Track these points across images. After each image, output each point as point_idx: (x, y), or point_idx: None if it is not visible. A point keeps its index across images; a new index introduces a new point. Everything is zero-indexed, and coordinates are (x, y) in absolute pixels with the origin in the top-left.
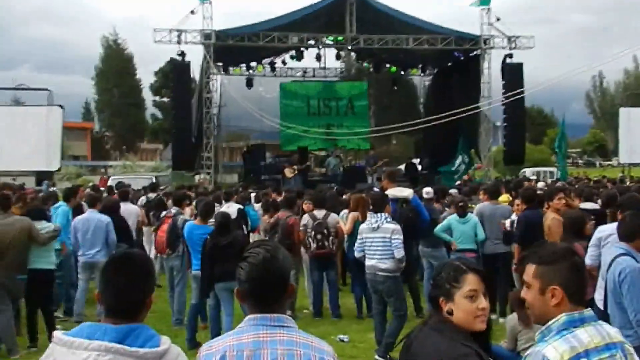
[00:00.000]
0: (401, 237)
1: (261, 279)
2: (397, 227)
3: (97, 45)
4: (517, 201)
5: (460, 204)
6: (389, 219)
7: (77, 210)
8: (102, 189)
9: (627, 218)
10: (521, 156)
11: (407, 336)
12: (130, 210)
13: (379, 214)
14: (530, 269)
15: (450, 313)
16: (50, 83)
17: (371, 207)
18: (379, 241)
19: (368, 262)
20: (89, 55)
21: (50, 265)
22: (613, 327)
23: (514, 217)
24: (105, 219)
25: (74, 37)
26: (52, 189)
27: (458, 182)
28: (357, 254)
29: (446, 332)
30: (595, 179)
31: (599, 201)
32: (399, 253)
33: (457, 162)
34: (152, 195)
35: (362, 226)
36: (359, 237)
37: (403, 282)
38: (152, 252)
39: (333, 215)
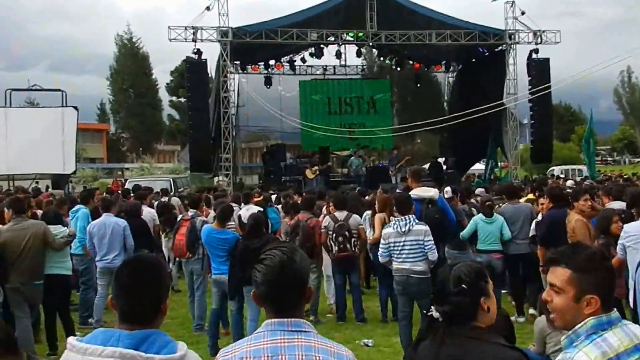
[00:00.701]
0: (432, 238)
1: (278, 281)
2: (427, 228)
3: (111, 44)
4: (543, 200)
5: (488, 203)
6: (417, 221)
7: (94, 214)
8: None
9: None
10: (549, 154)
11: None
12: (145, 215)
13: (406, 217)
14: (564, 274)
15: (487, 310)
16: (65, 83)
17: (396, 209)
18: (411, 244)
19: (399, 266)
20: (104, 54)
21: (67, 270)
22: (638, 327)
23: (539, 217)
24: (122, 222)
25: (88, 35)
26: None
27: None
28: (382, 260)
29: (491, 338)
30: (625, 176)
31: None
32: (433, 255)
33: (488, 169)
34: (164, 199)
35: (388, 230)
36: (383, 241)
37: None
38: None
39: (355, 217)
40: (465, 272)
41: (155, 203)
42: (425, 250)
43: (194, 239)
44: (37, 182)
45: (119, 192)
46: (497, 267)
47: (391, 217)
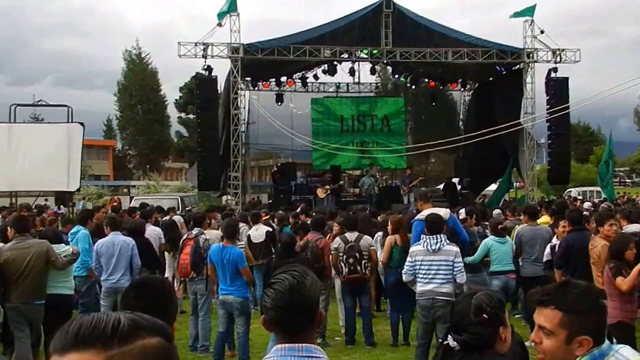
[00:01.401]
0: (462, 260)
1: (288, 306)
2: (458, 249)
3: (120, 59)
4: (563, 223)
5: (500, 226)
6: (448, 241)
7: (96, 233)
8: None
9: None
10: (566, 175)
11: None
12: (149, 234)
13: (437, 236)
14: (555, 316)
15: (504, 340)
16: (71, 98)
17: (427, 229)
18: (440, 264)
19: (424, 287)
20: (112, 70)
21: (69, 290)
22: (630, 350)
23: (555, 241)
24: (130, 241)
25: (96, 50)
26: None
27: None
28: (405, 278)
29: None
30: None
31: None
32: (462, 278)
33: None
34: (167, 218)
35: (417, 248)
36: (410, 258)
37: None
38: (170, 277)
39: (366, 238)
40: (487, 301)
41: (162, 221)
42: (454, 272)
43: (198, 259)
44: (46, 200)
45: (122, 209)
46: (512, 288)
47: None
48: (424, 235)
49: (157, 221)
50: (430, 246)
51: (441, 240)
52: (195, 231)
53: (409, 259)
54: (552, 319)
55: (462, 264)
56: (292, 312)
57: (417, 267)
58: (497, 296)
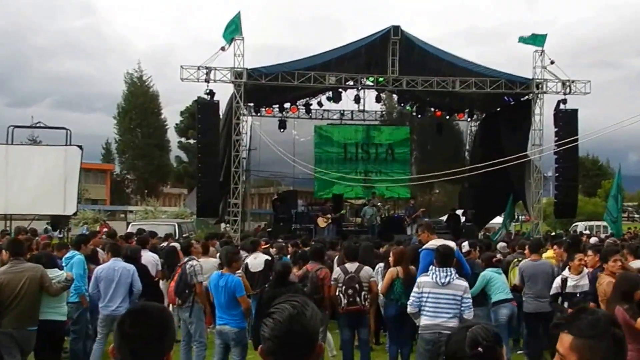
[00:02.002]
0: (471, 296)
1: (286, 337)
2: (467, 285)
3: (121, 82)
4: (579, 256)
5: (494, 259)
6: (458, 275)
7: (92, 259)
8: (103, 236)
9: None
10: (573, 209)
11: None
12: (147, 260)
13: (448, 269)
14: (567, 339)
15: None
16: (70, 121)
17: (437, 261)
18: (447, 299)
19: (429, 321)
20: (112, 93)
21: (62, 316)
22: None
23: (566, 273)
24: (131, 267)
25: (97, 73)
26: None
27: (504, 234)
28: (410, 309)
29: None
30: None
31: None
32: (470, 314)
33: (500, 233)
34: (165, 244)
35: (425, 279)
36: (416, 289)
37: None
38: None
39: (366, 269)
40: (483, 335)
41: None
42: (462, 308)
43: (184, 285)
44: (48, 223)
45: (117, 235)
46: (516, 316)
47: (410, 268)
48: (433, 267)
49: (155, 247)
50: (440, 279)
51: (451, 274)
52: (186, 258)
53: (415, 289)
54: (564, 343)
55: (471, 300)
56: (291, 343)
57: (424, 299)
58: (494, 330)
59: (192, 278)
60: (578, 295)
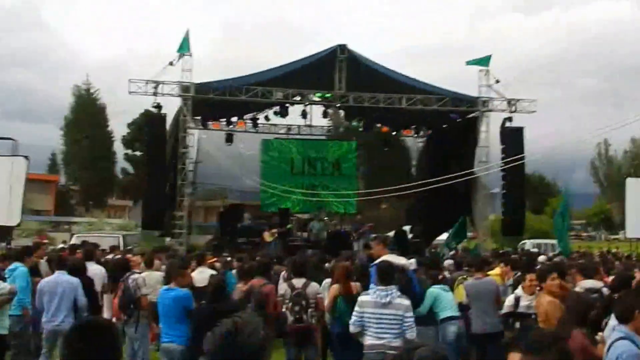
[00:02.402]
0: (413, 315)
1: (221, 353)
2: (410, 303)
3: (69, 94)
4: (530, 277)
5: (440, 277)
6: (399, 293)
7: (33, 271)
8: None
9: (621, 298)
10: (521, 226)
11: None
12: (94, 272)
13: (388, 287)
14: (515, 358)
15: None
16: (17, 132)
17: (377, 279)
18: (389, 318)
19: (373, 341)
20: (60, 105)
21: (4, 330)
22: None
23: (519, 292)
24: (75, 280)
25: (44, 85)
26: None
27: (452, 252)
28: (352, 329)
29: None
30: (598, 253)
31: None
32: (412, 334)
33: (442, 253)
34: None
35: (365, 298)
36: (357, 308)
37: None
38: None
39: (313, 285)
40: (431, 357)
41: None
42: (404, 328)
43: (128, 300)
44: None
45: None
46: (464, 335)
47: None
48: (374, 285)
49: (99, 260)
50: (380, 299)
51: (391, 293)
52: (128, 272)
53: (356, 309)
54: None
55: (413, 319)
56: (227, 359)
57: (366, 319)
58: (442, 352)
59: (135, 292)
60: (532, 316)
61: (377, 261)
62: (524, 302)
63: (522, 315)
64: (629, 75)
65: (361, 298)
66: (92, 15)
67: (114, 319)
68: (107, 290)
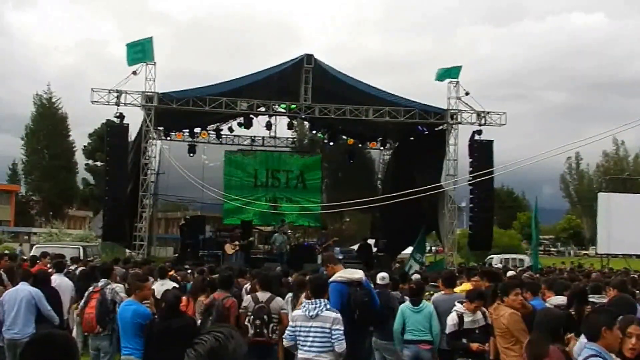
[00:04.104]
0: (342, 327)
1: None
2: (338, 316)
3: (30, 103)
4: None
5: (413, 286)
6: (328, 306)
7: None
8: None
9: (588, 317)
10: (488, 241)
11: None
12: (66, 285)
13: (317, 300)
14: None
15: None
16: None
17: (310, 292)
18: (316, 331)
19: (303, 355)
20: (20, 113)
21: None
22: None
23: (460, 309)
24: (36, 292)
25: (5, 94)
26: None
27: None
28: (285, 343)
29: None
30: (567, 269)
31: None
32: (341, 346)
33: (408, 265)
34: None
35: (297, 313)
36: (291, 323)
37: None
38: (74, 332)
39: (277, 300)
40: None
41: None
42: (332, 340)
43: (105, 311)
44: None
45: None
46: (426, 359)
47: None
48: (305, 300)
49: (68, 271)
50: (309, 312)
51: (320, 306)
52: (101, 283)
53: (290, 323)
54: None
55: (342, 332)
56: None
57: (297, 333)
58: None
59: (115, 304)
60: (477, 331)
61: (332, 278)
62: (467, 318)
63: (468, 332)
64: (600, 90)
65: (294, 312)
66: (55, 23)
67: (85, 333)
68: (74, 302)
